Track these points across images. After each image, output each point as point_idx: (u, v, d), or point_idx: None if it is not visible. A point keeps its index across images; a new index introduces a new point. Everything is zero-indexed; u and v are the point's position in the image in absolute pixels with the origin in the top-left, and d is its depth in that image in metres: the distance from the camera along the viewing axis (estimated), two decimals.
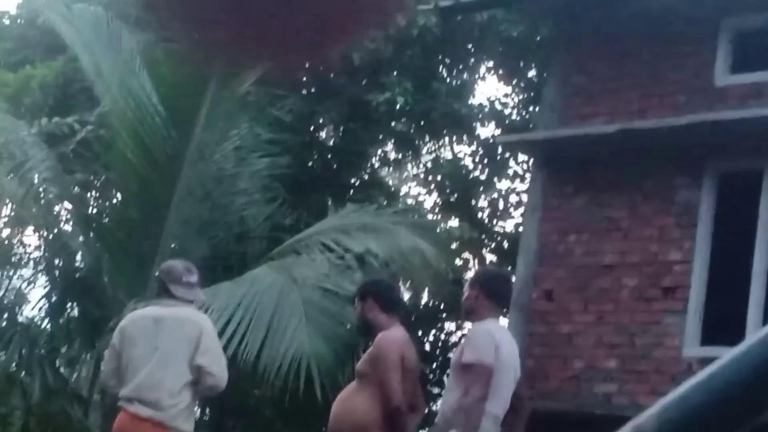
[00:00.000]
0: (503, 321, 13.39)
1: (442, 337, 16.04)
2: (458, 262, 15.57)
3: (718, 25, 10.80)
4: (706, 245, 10.44)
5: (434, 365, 15.29)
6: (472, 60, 15.79)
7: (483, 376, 6.15)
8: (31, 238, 13.39)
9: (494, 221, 16.66)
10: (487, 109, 16.01)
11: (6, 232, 13.13)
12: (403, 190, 16.93)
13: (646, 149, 10.57)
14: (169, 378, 6.31)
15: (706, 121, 10.13)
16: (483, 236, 16.25)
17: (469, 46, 15.39)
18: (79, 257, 12.61)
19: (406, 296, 14.66)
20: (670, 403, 0.94)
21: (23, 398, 11.56)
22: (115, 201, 12.98)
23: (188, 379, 6.33)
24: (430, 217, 16.14)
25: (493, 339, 6.23)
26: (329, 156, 15.54)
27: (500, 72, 15.95)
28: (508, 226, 16.71)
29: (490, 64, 15.91)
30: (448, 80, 15.80)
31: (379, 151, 16.33)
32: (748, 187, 10.17)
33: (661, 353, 10.25)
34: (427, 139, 16.32)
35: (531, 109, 15.62)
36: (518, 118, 16.01)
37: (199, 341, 6.34)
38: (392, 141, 16.03)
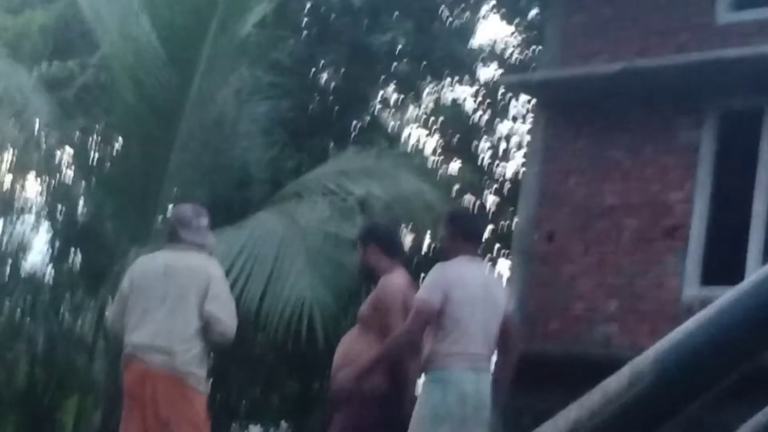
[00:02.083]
0: (504, 263, 13.37)
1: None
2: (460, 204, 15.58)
3: None
4: (706, 185, 10.44)
5: None
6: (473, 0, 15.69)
7: (416, 311, 6.14)
8: (32, 185, 13.40)
9: (496, 164, 16.66)
10: (488, 50, 15.95)
11: (8, 179, 13.13)
12: (405, 133, 16.91)
13: (648, 89, 10.54)
14: (180, 324, 6.34)
15: (708, 60, 10.09)
16: (485, 179, 16.25)
17: None
18: (81, 204, 12.63)
19: (408, 239, 14.70)
20: (667, 347, 0.95)
21: (28, 345, 11.64)
22: (116, 146, 12.97)
23: (198, 325, 6.35)
24: (431, 160, 16.14)
25: (442, 277, 6.20)
26: (330, 99, 15.51)
27: (502, 11, 15.86)
28: (510, 168, 16.73)
29: (492, 3, 15.83)
30: (448, 21, 15.71)
31: (380, 94, 16.29)
32: (749, 127, 10.15)
33: (661, 294, 10.29)
34: (428, 80, 16.28)
35: (533, 48, 15.55)
36: (520, 59, 15.95)
37: (207, 288, 6.35)
38: (393, 83, 15.98)
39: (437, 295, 6.11)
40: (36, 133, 12.21)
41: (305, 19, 14.96)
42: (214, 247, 6.88)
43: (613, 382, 0.94)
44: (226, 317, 6.41)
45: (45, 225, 12.72)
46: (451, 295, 6.12)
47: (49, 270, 12.32)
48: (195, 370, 6.36)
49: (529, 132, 12.60)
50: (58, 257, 12.30)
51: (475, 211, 7.63)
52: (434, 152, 16.75)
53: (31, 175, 13.09)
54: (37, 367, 11.88)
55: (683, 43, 10.72)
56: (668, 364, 0.94)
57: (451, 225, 6.47)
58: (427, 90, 16.59)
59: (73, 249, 12.43)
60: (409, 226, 13.82)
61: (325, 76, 15.66)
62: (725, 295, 1.04)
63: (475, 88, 16.51)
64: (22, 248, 12.93)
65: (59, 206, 12.53)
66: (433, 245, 15.53)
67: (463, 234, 6.39)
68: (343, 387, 6.17)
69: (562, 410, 1.03)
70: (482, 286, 6.25)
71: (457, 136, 16.48)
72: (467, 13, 15.99)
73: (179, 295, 6.36)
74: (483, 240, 7.25)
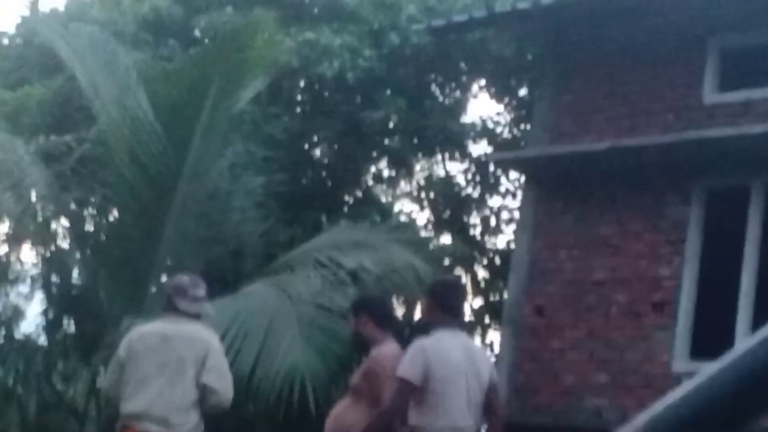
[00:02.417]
0: (495, 336, 13.42)
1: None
2: None
3: (707, 44, 10.95)
4: (695, 261, 10.56)
5: None
6: (465, 78, 15.92)
7: (397, 390, 6.18)
8: (28, 254, 13.47)
9: (486, 238, 16.75)
10: (479, 127, 16.13)
11: (4, 249, 13.22)
12: (397, 207, 17.03)
13: (636, 167, 10.71)
14: (177, 396, 6.34)
15: (695, 139, 10.27)
16: (475, 252, 16.35)
17: (462, 64, 15.52)
18: (75, 274, 12.70)
19: (400, 312, 14.75)
20: (656, 415, 0.99)
21: (20, 413, 11.62)
22: (111, 218, 13.06)
23: (195, 396, 6.36)
24: (422, 233, 16.24)
25: (422, 355, 6.23)
26: (323, 173, 15.65)
27: (492, 90, 16.08)
28: (500, 242, 16.81)
29: (482, 82, 16.04)
30: (440, 98, 15.93)
31: (373, 169, 16.44)
32: (736, 204, 10.31)
33: (650, 368, 10.36)
34: (420, 156, 16.43)
35: (522, 127, 15.74)
36: (510, 136, 16.14)
37: (205, 359, 6.38)
38: (386, 158, 16.13)
39: (418, 372, 6.16)
40: (32, 204, 12.32)
41: (299, 96, 15.15)
42: (211, 316, 6.95)
43: None
44: (223, 388, 6.43)
45: (39, 294, 12.78)
46: (432, 371, 6.16)
47: (43, 338, 12.35)
48: None
49: (519, 207, 12.73)
50: (51, 325, 12.34)
51: (456, 284, 7.63)
52: (425, 226, 16.86)
53: (27, 245, 13.18)
54: None
55: (670, 122, 10.92)
56: None
57: (431, 297, 6.56)
58: (419, 165, 16.75)
59: (66, 317, 12.47)
60: (401, 299, 13.89)
61: (318, 151, 15.82)
62: (713, 365, 1.10)
63: (466, 164, 16.67)
64: (16, 316, 12.98)
65: (54, 275, 12.60)
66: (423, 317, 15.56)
67: (442, 306, 6.46)
68: None
69: None
70: (464, 359, 6.30)
71: (449, 210, 16.60)
72: (458, 92, 16.21)
73: (177, 365, 6.39)
74: (462, 312, 7.31)
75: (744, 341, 1.06)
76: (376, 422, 6.20)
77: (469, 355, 6.37)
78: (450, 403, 6.19)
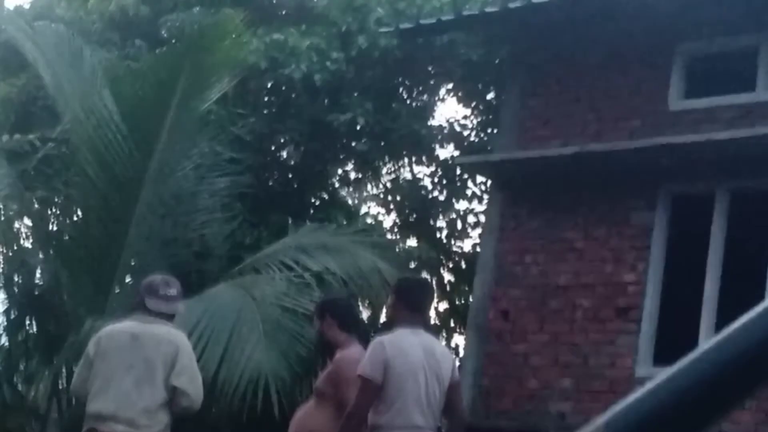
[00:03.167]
0: (459, 340, 13.43)
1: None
2: None
3: (673, 51, 11.01)
4: (659, 267, 10.61)
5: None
6: (432, 82, 15.94)
7: (360, 390, 6.17)
8: None
9: (452, 241, 16.78)
10: (446, 131, 16.15)
11: None
12: (363, 209, 17.02)
13: (601, 172, 10.75)
14: (145, 398, 6.27)
15: (661, 145, 10.32)
16: (441, 256, 16.36)
17: (430, 68, 15.54)
18: (38, 274, 12.61)
19: (365, 315, 14.74)
20: (617, 414, 1.00)
21: None
22: (75, 218, 12.98)
23: (164, 397, 6.30)
24: (389, 236, 16.24)
25: (381, 352, 6.22)
26: (289, 175, 15.62)
27: (459, 94, 16.10)
28: (466, 246, 16.85)
29: (450, 86, 16.06)
30: (408, 101, 15.94)
31: (339, 171, 16.43)
32: (701, 210, 10.36)
33: (614, 373, 10.40)
34: (387, 159, 16.43)
35: (489, 131, 15.78)
36: (477, 140, 16.16)
37: (175, 361, 6.31)
38: (352, 161, 16.13)
39: (379, 370, 6.14)
40: None
41: (266, 97, 15.11)
42: (181, 314, 6.85)
43: None
44: (193, 391, 6.37)
45: (1, 294, 12.67)
46: (391, 368, 6.15)
47: (4, 338, 12.24)
48: None
49: (485, 211, 12.75)
50: (13, 325, 12.24)
51: (421, 282, 7.59)
52: (392, 229, 16.87)
53: None
54: None
55: (636, 128, 10.97)
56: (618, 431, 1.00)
57: (396, 294, 6.54)
58: (385, 168, 16.75)
59: (29, 317, 12.37)
60: (366, 302, 13.88)
61: (285, 152, 15.79)
62: (676, 365, 1.10)
63: (433, 167, 16.69)
64: None
65: (16, 275, 12.49)
66: (388, 320, 15.56)
67: (406, 304, 6.44)
68: None
69: None
70: (423, 357, 6.27)
71: (415, 213, 16.61)
72: (426, 95, 16.22)
73: (146, 365, 6.32)
74: (427, 310, 7.30)
75: (704, 344, 1.06)
76: (345, 426, 6.18)
77: (429, 354, 6.33)
78: (407, 401, 6.16)
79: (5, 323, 12.18)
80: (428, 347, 6.43)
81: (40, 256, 12.43)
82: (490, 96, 15.89)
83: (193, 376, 6.42)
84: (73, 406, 10.98)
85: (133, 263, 11.74)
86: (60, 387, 11.38)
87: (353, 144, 15.34)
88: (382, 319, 15.51)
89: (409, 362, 6.19)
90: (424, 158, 16.49)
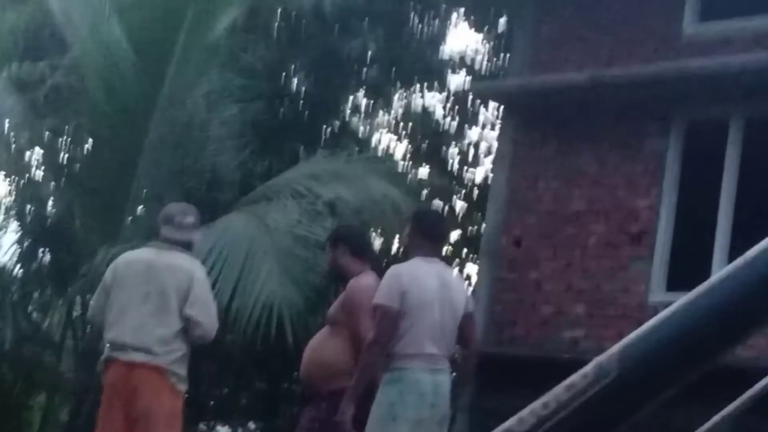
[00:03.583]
0: (472, 268, 13.43)
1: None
2: None
3: None
4: (672, 193, 10.56)
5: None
6: (444, 7, 15.78)
7: (379, 319, 6.17)
8: (2, 184, 13.36)
9: (464, 169, 16.74)
10: (458, 58, 16.04)
11: None
12: (374, 138, 16.97)
13: (615, 98, 10.66)
14: (161, 327, 6.28)
15: (675, 71, 10.22)
16: (453, 184, 16.34)
17: None
18: (50, 204, 12.62)
19: (377, 243, 14.75)
20: (632, 342, 0.99)
21: None
22: (86, 147, 12.95)
23: (178, 327, 6.30)
24: (400, 165, 16.21)
25: (398, 280, 6.22)
26: (301, 103, 15.55)
27: (471, 20, 15.95)
28: (478, 174, 16.82)
29: (462, 12, 15.91)
30: (419, 28, 15.80)
31: (351, 99, 16.35)
32: (715, 135, 10.28)
33: (627, 299, 10.40)
34: (398, 87, 16.35)
35: (502, 57, 15.65)
36: (489, 67, 16.05)
37: (189, 291, 6.29)
38: (363, 89, 16.04)
39: (396, 298, 6.14)
40: (6, 133, 12.19)
41: (276, 24, 14.99)
42: (198, 243, 6.79)
43: (579, 378, 1.00)
44: (207, 321, 6.36)
45: (14, 224, 12.69)
46: (406, 296, 6.14)
47: (18, 268, 12.28)
48: (177, 370, 6.34)
49: (498, 139, 12.69)
50: (26, 255, 12.26)
51: (437, 213, 7.58)
52: (404, 157, 16.83)
53: (1, 175, 13.07)
54: (4, 364, 11.83)
55: (650, 53, 10.85)
56: (632, 360, 0.98)
57: (413, 224, 6.52)
58: (397, 96, 16.67)
59: (42, 248, 12.40)
60: (378, 230, 13.88)
61: (295, 80, 15.70)
62: (689, 294, 1.08)
63: (445, 94, 16.59)
64: None
65: (28, 206, 12.50)
66: (401, 248, 15.60)
67: (423, 233, 6.42)
68: (344, 420, 6.15)
69: (529, 405, 1.07)
70: (439, 286, 6.27)
71: (427, 141, 16.56)
72: (437, 22, 16.08)
73: (160, 295, 6.32)
74: (444, 241, 7.28)
75: (718, 271, 1.04)
76: (367, 356, 6.18)
77: (444, 284, 6.33)
78: (421, 329, 6.16)
79: (19, 253, 12.21)
80: (443, 277, 6.43)
81: (52, 186, 12.41)
82: (502, 22, 15.74)
83: (206, 307, 6.40)
84: (88, 334, 11.05)
85: (144, 193, 11.73)
86: (74, 316, 11.44)
87: (364, 72, 15.25)
88: (394, 247, 15.54)
89: (425, 292, 6.18)
90: (435, 86, 16.39)
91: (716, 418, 1.19)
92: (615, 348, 1.07)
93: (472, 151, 16.62)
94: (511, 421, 0.98)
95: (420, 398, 6.14)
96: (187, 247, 6.52)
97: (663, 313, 0.96)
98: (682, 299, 1.10)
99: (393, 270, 6.35)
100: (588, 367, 0.99)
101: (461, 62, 16.31)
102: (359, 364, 6.18)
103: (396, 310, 6.11)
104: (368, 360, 6.15)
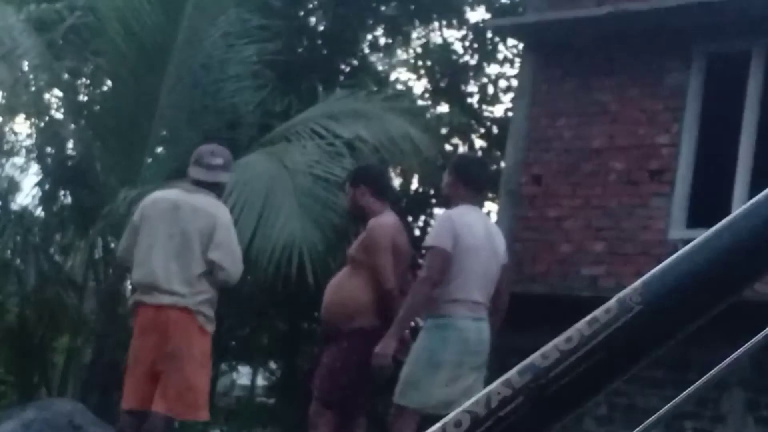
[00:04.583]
0: (492, 206, 13.42)
1: (432, 222, 16.17)
2: (448, 147, 15.63)
3: None
4: (693, 128, 10.50)
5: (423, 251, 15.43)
6: None
7: (433, 259, 6.18)
8: (22, 126, 13.39)
9: (484, 106, 16.67)
10: None
11: None
12: (393, 75, 16.89)
13: (635, 31, 10.56)
14: (184, 269, 6.29)
15: (695, 2, 10.10)
16: (472, 121, 16.28)
17: None
18: (70, 145, 12.63)
19: (397, 182, 14.75)
20: (655, 276, 0.99)
21: (19, 285, 11.68)
22: (105, 88, 12.93)
23: (202, 270, 6.31)
24: (419, 102, 16.15)
25: (451, 224, 6.23)
26: (319, 41, 15.47)
27: None
28: (498, 111, 16.75)
29: None
30: None
31: (369, 37, 16.25)
32: (737, 69, 10.19)
33: (647, 236, 10.38)
34: (416, 23, 16.24)
35: None
36: (508, 2, 15.92)
37: (212, 235, 6.29)
38: (382, 26, 15.94)
39: (449, 241, 6.17)
40: (25, 74, 12.18)
41: None
42: (225, 185, 6.75)
43: (602, 313, 0.99)
44: (230, 265, 6.36)
45: (34, 165, 12.73)
46: (458, 241, 6.17)
47: (39, 210, 12.33)
48: (204, 311, 6.38)
49: (517, 75, 12.61)
50: (47, 197, 12.30)
51: (479, 159, 7.61)
52: (422, 95, 16.76)
53: (20, 116, 13.08)
54: (27, 306, 11.93)
55: None
56: (655, 295, 0.98)
57: (455, 172, 6.50)
58: (415, 33, 16.56)
59: (62, 190, 12.43)
60: (398, 169, 13.86)
61: (313, 18, 15.61)
62: (712, 228, 1.09)
63: (464, 31, 16.48)
64: (12, 188, 12.94)
65: (48, 148, 12.52)
66: (420, 188, 15.60)
67: (465, 182, 6.42)
68: (386, 354, 6.18)
69: (551, 341, 1.07)
70: (485, 235, 6.31)
71: (446, 78, 16.47)
72: None
73: (183, 237, 6.32)
74: (485, 189, 7.31)
75: (741, 206, 1.03)
76: (418, 293, 6.20)
77: (489, 232, 6.37)
78: (469, 276, 6.20)
79: (40, 195, 12.25)
80: (488, 225, 6.48)
81: (72, 127, 12.42)
82: None
83: (230, 250, 6.39)
84: (110, 275, 11.11)
85: (164, 133, 11.72)
86: (96, 257, 11.50)
87: (382, 8, 15.15)
88: (414, 186, 15.53)
89: (474, 238, 6.21)
90: (454, 22, 16.28)
91: (737, 353, 1.19)
92: (638, 283, 1.07)
93: (491, 87, 16.54)
94: (534, 356, 0.97)
95: (464, 345, 6.18)
96: (214, 188, 6.50)
97: (686, 248, 0.96)
98: (704, 234, 1.09)
99: (445, 215, 6.41)
100: (611, 302, 0.99)
101: None
102: (407, 300, 6.20)
103: (449, 252, 6.14)
104: (418, 297, 6.18)
